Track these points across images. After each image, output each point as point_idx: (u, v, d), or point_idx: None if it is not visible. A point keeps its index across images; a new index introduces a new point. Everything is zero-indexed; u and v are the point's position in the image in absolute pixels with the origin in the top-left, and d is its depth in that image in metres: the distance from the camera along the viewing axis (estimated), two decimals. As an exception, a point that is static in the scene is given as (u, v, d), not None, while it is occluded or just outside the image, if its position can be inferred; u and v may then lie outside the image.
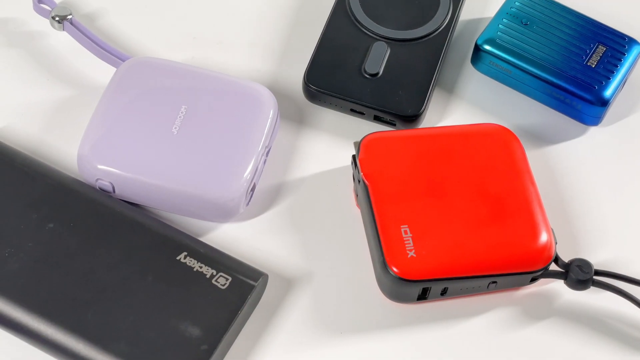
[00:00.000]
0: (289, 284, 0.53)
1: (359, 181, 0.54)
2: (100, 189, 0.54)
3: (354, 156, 0.55)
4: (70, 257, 0.51)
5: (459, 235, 0.51)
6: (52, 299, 0.50)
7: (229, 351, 0.51)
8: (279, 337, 0.52)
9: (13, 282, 0.50)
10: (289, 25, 0.62)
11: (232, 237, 0.55)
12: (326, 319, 0.52)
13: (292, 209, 0.56)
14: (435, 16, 0.60)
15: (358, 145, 0.54)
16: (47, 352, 0.50)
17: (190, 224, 0.55)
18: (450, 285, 0.51)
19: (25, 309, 0.50)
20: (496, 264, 0.51)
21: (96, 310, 0.50)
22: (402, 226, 0.51)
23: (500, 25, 0.59)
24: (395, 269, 0.50)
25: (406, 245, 0.51)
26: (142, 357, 0.48)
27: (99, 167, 0.53)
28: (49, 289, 0.50)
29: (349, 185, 0.56)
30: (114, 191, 0.54)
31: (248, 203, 0.55)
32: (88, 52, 0.60)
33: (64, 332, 0.49)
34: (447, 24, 0.60)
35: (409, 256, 0.50)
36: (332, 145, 0.58)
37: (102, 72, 0.59)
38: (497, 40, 0.58)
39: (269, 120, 0.55)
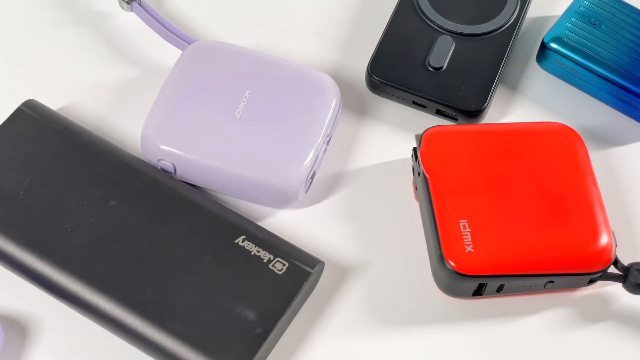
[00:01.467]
0: (344, 272, 0.53)
1: (419, 174, 0.54)
2: (162, 169, 0.55)
3: (414, 149, 0.55)
4: (131, 234, 0.52)
5: (518, 232, 0.51)
6: (112, 274, 0.51)
7: (282, 336, 0.52)
8: (332, 325, 0.52)
9: (74, 256, 0.51)
10: (354, 15, 0.62)
11: (289, 223, 0.55)
12: (380, 310, 0.52)
13: (350, 198, 0.56)
14: (503, 12, 0.60)
15: (420, 138, 0.54)
16: (104, 327, 0.51)
17: (248, 208, 0.55)
18: (507, 283, 0.51)
19: (85, 283, 0.50)
20: (554, 263, 0.50)
21: (154, 288, 0.50)
22: (460, 221, 0.51)
23: (568, 24, 0.58)
24: (452, 263, 0.50)
25: (464, 240, 0.51)
26: (197, 336, 0.49)
27: (162, 147, 0.54)
28: (109, 264, 0.51)
29: (408, 177, 0.56)
30: (175, 172, 0.54)
31: (307, 190, 0.55)
32: (155, 33, 0.60)
33: (122, 308, 0.50)
34: (514, 21, 0.60)
35: (466, 251, 0.50)
36: (392, 137, 0.58)
37: (168, 54, 0.60)
38: (565, 39, 0.58)
39: (332, 109, 0.55)
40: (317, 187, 0.56)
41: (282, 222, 0.55)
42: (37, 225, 0.52)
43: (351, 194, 0.56)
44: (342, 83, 0.59)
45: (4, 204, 0.52)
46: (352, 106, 0.59)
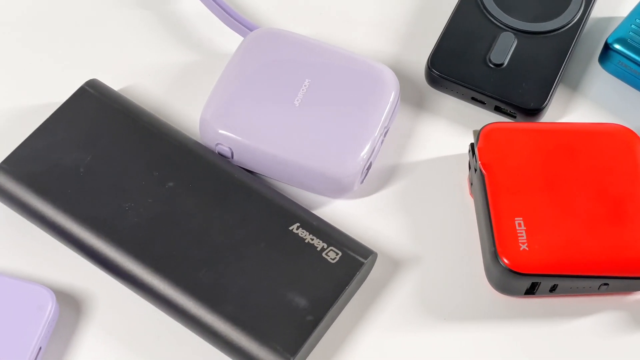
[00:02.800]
0: (396, 265, 0.53)
1: (476, 170, 0.53)
2: (219, 153, 0.55)
3: (472, 144, 0.54)
4: (186, 216, 0.52)
5: (574, 233, 0.50)
6: (167, 255, 0.51)
7: (332, 325, 0.52)
8: (382, 317, 0.52)
9: (131, 235, 0.52)
10: (416, 8, 0.62)
11: (343, 213, 0.55)
12: (431, 304, 0.52)
13: (405, 191, 0.56)
14: (567, 11, 0.59)
15: (478, 134, 0.54)
16: (157, 306, 0.51)
17: (303, 196, 0.56)
18: (561, 283, 0.50)
19: (140, 262, 0.51)
20: (610, 265, 0.50)
21: (208, 270, 0.51)
22: (516, 218, 0.51)
23: (632, 26, 0.58)
24: (506, 261, 0.50)
25: (519, 238, 0.50)
26: (248, 320, 0.49)
27: (220, 131, 0.54)
28: (164, 245, 0.51)
29: (464, 173, 0.56)
30: (232, 157, 0.55)
31: (362, 181, 0.55)
32: (217, 19, 0.61)
33: (175, 288, 0.50)
34: (577, 20, 0.59)
35: (521, 249, 0.50)
36: (449, 131, 0.58)
37: (229, 40, 0.60)
38: (629, 41, 0.57)
39: (390, 101, 0.55)
40: (372, 178, 0.56)
41: (336, 212, 0.55)
42: (96, 202, 0.52)
43: (406, 187, 0.56)
44: (401, 76, 0.59)
45: (65, 181, 0.53)
46: (410, 99, 0.59)
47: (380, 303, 0.52)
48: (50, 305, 0.50)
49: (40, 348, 0.49)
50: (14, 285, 0.50)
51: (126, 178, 0.53)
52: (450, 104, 0.59)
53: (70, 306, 0.52)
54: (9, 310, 0.49)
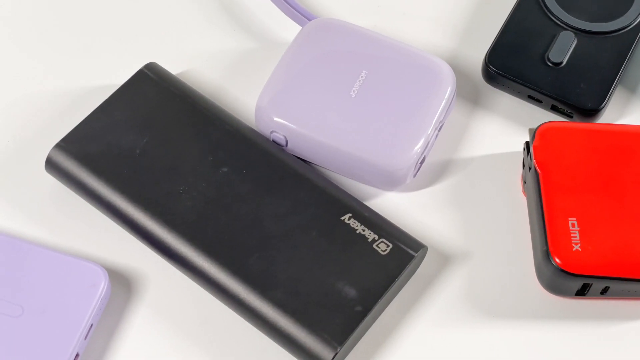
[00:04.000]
0: (446, 260, 0.53)
1: (530, 168, 0.53)
2: (274, 141, 0.55)
3: (527, 142, 0.54)
4: (239, 202, 0.53)
5: (629, 235, 0.50)
6: (219, 239, 0.52)
7: (379, 318, 0.52)
8: (430, 311, 0.52)
9: (184, 217, 0.52)
10: (475, 3, 0.62)
11: (395, 205, 0.55)
12: (479, 300, 0.52)
13: (457, 186, 0.56)
14: (629, 12, 0.59)
15: (534, 133, 0.54)
16: (206, 289, 0.52)
17: (355, 187, 0.56)
18: (613, 285, 0.50)
19: (192, 244, 0.51)
20: (664, 270, 0.50)
21: (259, 256, 0.51)
22: (570, 218, 0.51)
23: (696, 29, 0.57)
24: (558, 260, 0.50)
25: (572, 238, 0.50)
26: (296, 308, 0.50)
27: (275, 119, 0.55)
28: (216, 229, 0.52)
29: (517, 171, 0.56)
30: (286, 145, 0.55)
31: (415, 174, 0.55)
32: (275, 7, 0.61)
33: (226, 272, 0.51)
34: (639, 21, 0.58)
35: (573, 249, 0.50)
36: (504, 129, 0.58)
37: (287, 29, 0.60)
38: (691, 44, 0.56)
39: (446, 96, 0.55)
40: (425, 172, 0.56)
41: (388, 204, 0.55)
42: (151, 184, 0.53)
43: (458, 182, 0.56)
44: (457, 71, 0.59)
45: (121, 162, 0.54)
46: (466, 95, 0.59)
47: (428, 297, 0.52)
48: (103, 284, 0.50)
49: (91, 325, 0.50)
50: (69, 262, 0.51)
51: (181, 161, 0.54)
52: (505, 101, 0.58)
53: (122, 285, 0.52)
54: (64, 286, 0.50)
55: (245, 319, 0.51)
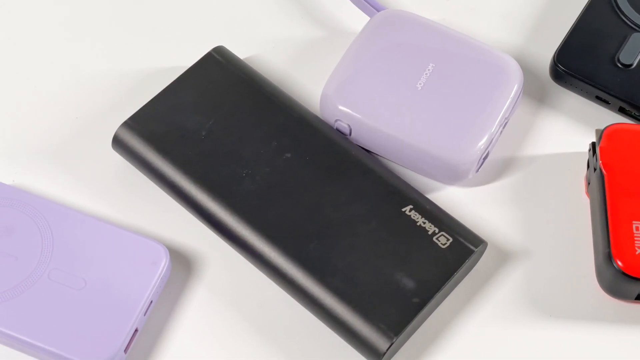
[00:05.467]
0: (504, 257, 0.53)
1: (595, 169, 0.53)
2: (338, 130, 0.55)
3: (593, 143, 0.54)
4: (301, 188, 0.53)
5: (694, 242, 0.49)
6: (279, 224, 0.52)
7: (435, 311, 0.52)
8: (486, 308, 0.52)
9: (246, 201, 0.53)
10: (545, 1, 0.61)
11: (456, 200, 0.55)
12: (536, 299, 0.52)
13: (519, 184, 0.55)
14: (703, 16, 0.58)
15: (600, 134, 0.53)
16: (265, 273, 0.52)
17: (416, 179, 0.56)
18: (675, 291, 0.50)
19: (252, 228, 0.52)
20: None
21: (319, 243, 0.51)
22: (634, 222, 0.50)
23: None
24: (619, 263, 0.49)
25: (635, 242, 0.50)
26: (354, 296, 0.50)
27: (340, 108, 0.55)
28: (277, 214, 0.52)
29: (581, 171, 0.55)
30: (350, 134, 0.55)
31: (478, 170, 0.55)
32: (345, -3, 0.61)
33: (285, 257, 0.51)
34: None
35: (636, 252, 0.49)
36: (569, 129, 0.57)
37: (355, 19, 0.61)
38: None
39: (513, 93, 0.55)
40: (488, 168, 0.56)
41: (449, 198, 0.55)
42: (215, 167, 0.53)
43: (521, 180, 0.56)
44: (525, 68, 0.58)
45: (186, 143, 0.54)
46: (532, 93, 0.58)
47: (485, 293, 0.52)
48: (164, 262, 0.51)
49: (151, 302, 0.50)
50: (132, 239, 0.51)
51: (245, 145, 0.54)
52: (572, 101, 0.58)
53: (182, 264, 0.53)
54: (126, 263, 0.51)
55: (301, 304, 0.51)
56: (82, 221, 0.52)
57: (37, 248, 0.51)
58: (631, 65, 0.56)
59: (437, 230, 0.52)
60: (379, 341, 0.49)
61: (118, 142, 0.55)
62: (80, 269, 0.50)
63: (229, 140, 0.54)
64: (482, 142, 0.54)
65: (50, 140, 0.57)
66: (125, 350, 0.49)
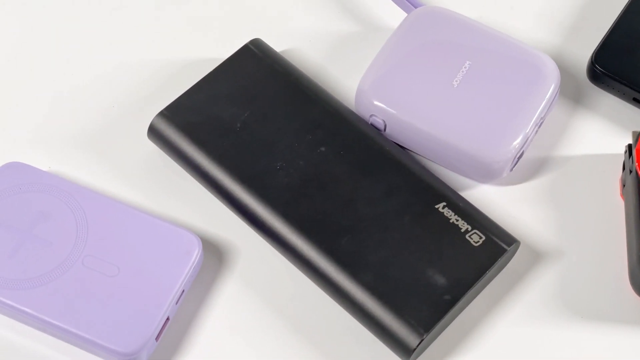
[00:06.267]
0: (537, 257, 0.53)
1: (631, 171, 0.52)
2: (372, 125, 0.55)
3: (629, 145, 0.53)
4: (335, 182, 0.53)
5: None
6: (312, 218, 0.52)
7: (466, 309, 0.52)
8: (517, 307, 0.52)
9: (279, 194, 0.53)
10: (583, 1, 0.61)
11: (488, 198, 0.55)
12: (568, 300, 0.52)
13: (553, 184, 0.55)
14: None
15: (637, 136, 0.53)
16: (296, 265, 0.52)
17: (449, 176, 0.56)
18: None
19: (285, 221, 0.52)
20: None
21: (351, 238, 0.51)
22: (669, 225, 0.50)
23: None
24: (654, 266, 0.49)
25: (670, 245, 0.49)
26: (385, 292, 0.50)
27: (376, 103, 0.55)
28: (310, 208, 0.52)
29: (616, 173, 0.55)
30: (384, 130, 0.55)
31: (512, 169, 0.55)
32: (382, -8, 0.61)
33: (317, 251, 0.51)
34: None
35: (671, 257, 0.49)
36: (606, 130, 0.57)
37: (392, 15, 0.61)
38: None
39: (549, 92, 0.55)
40: (522, 167, 0.55)
41: (482, 196, 0.55)
42: (249, 158, 0.54)
43: (555, 180, 0.55)
44: (562, 68, 0.58)
45: (221, 133, 0.54)
46: (569, 93, 0.58)
47: (517, 293, 0.52)
48: (196, 252, 0.51)
49: (183, 290, 0.51)
50: (166, 228, 0.52)
51: (280, 138, 0.54)
52: (609, 102, 0.58)
53: (214, 255, 0.53)
54: (159, 251, 0.51)
55: (332, 298, 0.51)
56: (117, 209, 0.52)
57: (72, 234, 0.51)
58: (670, 67, 0.56)
59: (470, 228, 0.51)
60: (409, 337, 0.49)
61: (153, 132, 0.55)
62: (113, 257, 0.51)
63: (263, 132, 0.54)
64: (517, 141, 0.53)
65: (86, 129, 0.57)
66: (157, 338, 0.49)
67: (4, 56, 0.60)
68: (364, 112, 0.56)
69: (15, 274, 0.50)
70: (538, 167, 0.56)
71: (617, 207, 0.54)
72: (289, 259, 0.52)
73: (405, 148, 0.56)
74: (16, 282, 0.50)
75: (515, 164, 0.55)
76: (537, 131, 0.55)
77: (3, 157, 0.56)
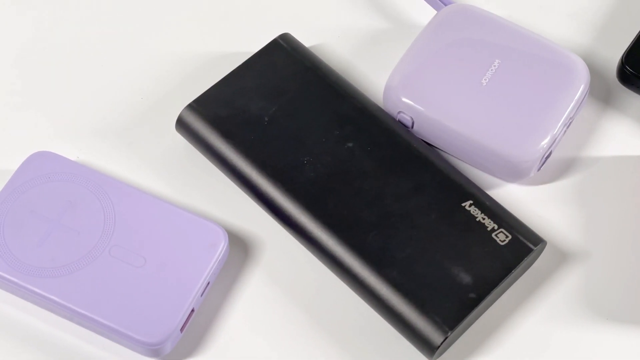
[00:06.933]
0: (563, 257, 0.53)
1: (660, 173, 0.52)
2: (400, 122, 0.55)
3: (659, 147, 0.53)
4: (362, 178, 0.53)
5: None
6: (338, 213, 0.52)
7: (490, 308, 0.52)
8: (541, 308, 0.52)
9: (306, 188, 0.53)
10: (614, 1, 0.61)
11: (515, 197, 0.55)
12: (593, 302, 0.51)
13: (581, 185, 0.55)
14: None
15: (667, 137, 0.53)
16: (322, 260, 0.52)
17: (476, 175, 0.55)
18: None
19: (311, 215, 0.52)
20: None
21: (377, 234, 0.51)
22: (698, 228, 0.50)
23: None
24: (681, 270, 0.49)
25: (698, 249, 0.49)
26: (411, 289, 0.50)
27: (404, 100, 0.55)
28: (337, 203, 0.52)
29: (645, 175, 0.55)
30: (412, 127, 0.55)
31: (539, 168, 0.55)
32: (411, -10, 0.61)
33: (343, 246, 0.51)
34: None
35: (699, 260, 0.49)
36: (635, 132, 0.56)
37: (422, 12, 0.60)
38: None
39: (579, 93, 0.54)
40: (549, 167, 0.55)
41: (509, 195, 0.55)
42: (276, 152, 0.54)
43: (582, 181, 0.55)
44: (591, 69, 0.58)
45: (249, 127, 0.55)
46: (598, 94, 0.58)
47: (542, 293, 0.52)
48: (222, 244, 0.51)
49: (208, 283, 0.51)
50: (192, 220, 0.52)
51: (308, 133, 0.54)
52: (638, 103, 0.57)
53: (239, 248, 0.53)
54: (185, 243, 0.51)
55: (357, 294, 0.51)
56: (144, 200, 0.52)
57: (99, 224, 0.51)
58: (701, 70, 0.56)
59: (496, 227, 0.51)
60: (434, 334, 0.49)
61: (182, 124, 0.55)
62: (140, 247, 0.51)
63: (291, 127, 0.55)
64: (545, 141, 0.53)
65: (115, 119, 0.57)
66: (182, 330, 0.50)
67: (37, 48, 0.60)
68: (391, 108, 0.56)
69: (43, 262, 0.50)
70: (566, 168, 0.56)
71: (644, 209, 0.54)
72: (314, 254, 0.53)
73: (433, 145, 0.56)
74: (43, 270, 0.50)
75: (543, 164, 0.55)
76: (565, 131, 0.55)
77: (32, 146, 0.56)
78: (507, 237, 0.51)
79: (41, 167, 0.53)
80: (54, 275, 0.50)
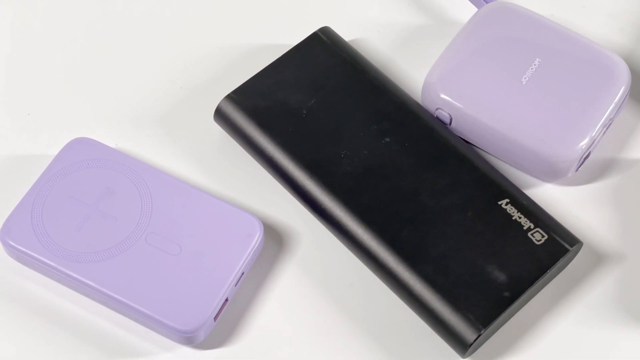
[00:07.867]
0: (599, 258, 0.52)
1: (700, 177, 0.52)
2: (438, 118, 0.55)
3: (700, 151, 0.53)
4: (398, 173, 0.53)
5: None
6: (374, 207, 0.52)
7: (524, 307, 0.51)
8: (576, 309, 0.51)
9: (342, 182, 0.53)
10: (658, 4, 0.60)
11: (552, 197, 0.54)
12: (629, 304, 0.51)
13: (619, 187, 0.55)
14: None
15: None
16: (356, 254, 0.52)
17: (513, 173, 0.55)
18: None
19: (347, 209, 0.52)
20: None
21: (412, 229, 0.51)
22: None
23: None
24: None
25: None
26: (445, 285, 0.50)
27: (442, 96, 0.55)
28: (373, 197, 0.52)
29: (684, 179, 0.54)
30: (450, 124, 0.55)
31: (578, 169, 0.54)
32: (453, -14, 0.61)
33: (378, 241, 0.51)
34: None
35: None
36: (675, 135, 0.56)
37: (463, 9, 0.60)
38: None
39: (619, 94, 0.54)
40: (588, 168, 0.55)
41: (546, 195, 0.54)
42: (314, 145, 0.54)
43: (620, 183, 0.55)
44: (632, 70, 0.57)
45: (287, 120, 0.55)
46: (638, 96, 0.57)
47: (577, 294, 0.52)
48: (258, 235, 0.52)
49: (243, 273, 0.51)
50: (229, 210, 0.52)
51: (345, 127, 0.54)
52: (680, 106, 0.57)
53: (274, 239, 0.53)
54: (221, 232, 0.51)
55: (391, 289, 0.51)
56: (181, 189, 0.53)
57: (136, 211, 0.52)
58: None
59: (532, 226, 0.51)
60: (467, 332, 0.49)
61: (220, 115, 0.56)
62: (176, 235, 0.51)
63: (329, 120, 0.55)
64: (584, 142, 0.53)
65: (154, 108, 0.58)
66: (215, 319, 0.50)
67: (80, 36, 0.61)
68: (430, 105, 0.55)
69: (80, 247, 0.51)
70: (604, 169, 0.55)
71: (683, 213, 0.53)
72: (348, 248, 0.53)
73: (470, 143, 0.56)
74: (80, 255, 0.51)
75: (581, 164, 0.54)
76: (605, 132, 0.55)
77: (72, 132, 0.56)
78: (543, 236, 0.51)
79: (80, 153, 0.54)
80: (90, 260, 0.50)
